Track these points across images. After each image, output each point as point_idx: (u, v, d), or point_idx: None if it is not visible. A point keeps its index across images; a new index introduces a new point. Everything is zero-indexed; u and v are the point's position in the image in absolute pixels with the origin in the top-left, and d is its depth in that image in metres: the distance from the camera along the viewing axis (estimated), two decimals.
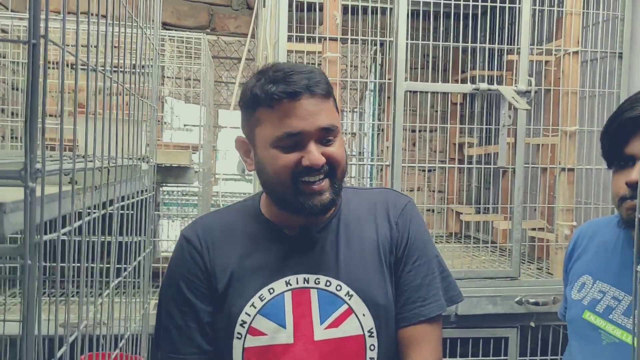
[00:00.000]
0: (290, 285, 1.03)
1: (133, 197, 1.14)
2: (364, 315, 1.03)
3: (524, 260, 2.28)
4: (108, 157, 0.91)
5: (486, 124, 2.73)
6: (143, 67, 1.31)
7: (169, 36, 2.22)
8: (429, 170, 2.98)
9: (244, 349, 1.01)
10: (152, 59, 1.28)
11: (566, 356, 1.18)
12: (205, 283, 1.05)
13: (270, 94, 0.94)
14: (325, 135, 0.97)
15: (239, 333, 1.02)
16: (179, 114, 2.79)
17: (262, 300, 1.02)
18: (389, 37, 1.92)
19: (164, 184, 2.29)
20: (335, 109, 1.01)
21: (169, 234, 2.77)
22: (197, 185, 2.18)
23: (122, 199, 1.07)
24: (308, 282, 1.03)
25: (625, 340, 1.02)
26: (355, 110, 3.21)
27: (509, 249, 2.08)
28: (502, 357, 1.97)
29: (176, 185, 2.34)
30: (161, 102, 2.80)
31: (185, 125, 2.77)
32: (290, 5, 1.79)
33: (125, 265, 1.15)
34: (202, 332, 1.05)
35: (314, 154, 0.95)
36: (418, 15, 2.00)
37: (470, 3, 1.95)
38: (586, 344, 1.09)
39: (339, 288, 1.03)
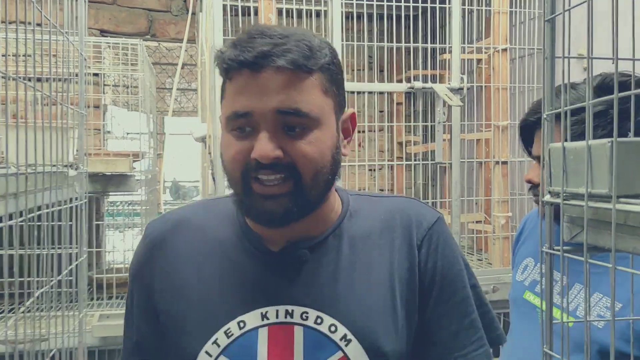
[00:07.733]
0: (268, 319, 0.77)
1: (60, 205, 1.12)
2: None
3: (465, 252, 2.35)
4: (25, 163, 0.90)
5: (429, 122, 2.79)
6: (70, 74, 1.29)
7: (104, 42, 2.18)
8: (375, 170, 3.03)
9: None
10: (77, 65, 1.27)
11: (507, 338, 1.23)
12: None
13: (222, 61, 0.72)
14: (287, 122, 0.71)
15: None
16: (121, 122, 2.74)
17: (228, 337, 0.77)
18: (325, 39, 1.95)
19: (106, 193, 2.25)
20: (320, 92, 0.73)
21: (115, 245, 2.71)
22: (140, 193, 2.15)
23: (47, 206, 1.05)
24: (292, 317, 0.77)
25: (558, 318, 1.09)
26: None
27: None
28: None
29: (119, 193, 2.30)
30: (103, 110, 2.74)
31: (128, 133, 2.72)
32: (224, 10, 1.80)
33: (58, 278, 1.13)
34: (141, 351, 0.84)
35: (262, 142, 0.70)
36: (353, 17, 2.04)
37: (402, 4, 2.00)
38: (526, 322, 1.14)
39: (333, 329, 0.77)
